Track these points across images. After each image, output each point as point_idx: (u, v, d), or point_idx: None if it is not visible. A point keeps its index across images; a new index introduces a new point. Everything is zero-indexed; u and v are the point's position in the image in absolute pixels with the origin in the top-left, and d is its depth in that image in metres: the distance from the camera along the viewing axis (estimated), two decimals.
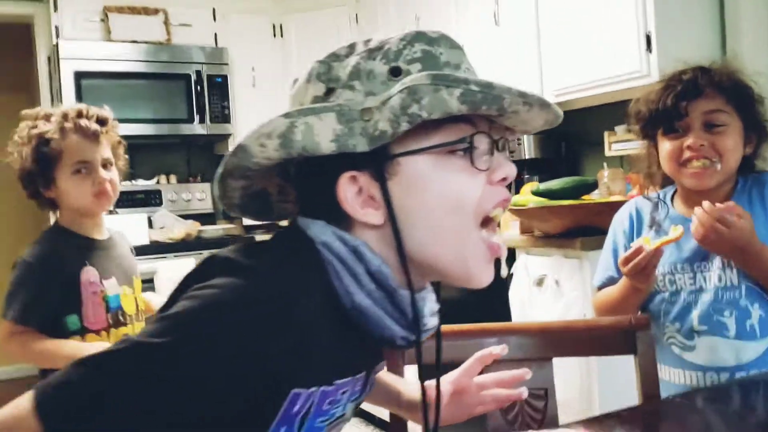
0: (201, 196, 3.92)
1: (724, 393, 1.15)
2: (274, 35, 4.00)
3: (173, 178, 3.93)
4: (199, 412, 0.57)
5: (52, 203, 1.50)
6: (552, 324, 1.22)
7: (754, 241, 1.17)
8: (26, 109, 1.50)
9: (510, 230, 2.48)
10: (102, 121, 1.47)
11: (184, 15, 3.72)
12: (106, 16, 3.53)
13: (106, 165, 1.48)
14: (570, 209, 2.08)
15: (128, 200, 3.61)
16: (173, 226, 3.51)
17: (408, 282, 0.65)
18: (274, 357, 0.59)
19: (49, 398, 0.56)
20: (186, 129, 3.66)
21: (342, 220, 0.66)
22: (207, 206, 3.94)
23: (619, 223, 1.39)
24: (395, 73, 0.65)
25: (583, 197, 2.19)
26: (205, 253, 3.29)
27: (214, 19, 3.81)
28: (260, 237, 3.38)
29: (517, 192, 2.65)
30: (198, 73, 3.65)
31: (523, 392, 0.93)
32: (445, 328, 1.17)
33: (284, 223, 0.75)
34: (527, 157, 2.99)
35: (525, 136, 2.95)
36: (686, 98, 1.23)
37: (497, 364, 1.00)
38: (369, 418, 3.16)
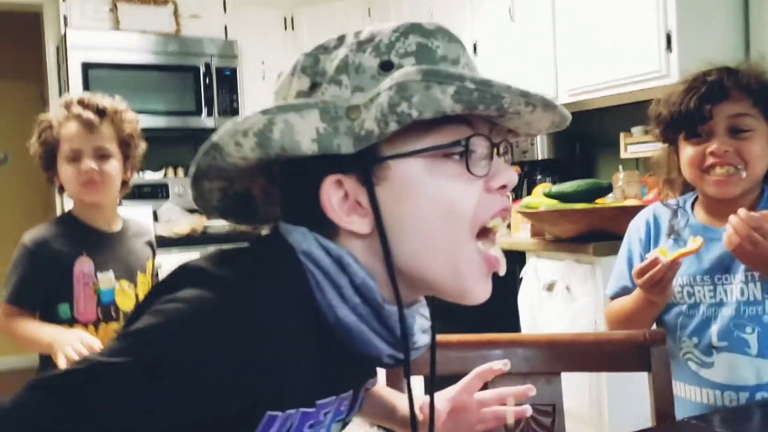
0: None
1: (744, 414, 1.09)
2: (285, 28, 3.95)
3: (180, 172, 3.89)
4: None
5: (62, 189, 1.52)
6: (561, 337, 1.16)
7: None
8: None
9: (520, 233, 2.42)
10: (101, 111, 1.44)
11: (194, 6, 3.68)
12: (115, 6, 3.50)
13: (102, 155, 1.44)
14: (583, 213, 2.04)
15: (135, 193, 3.57)
16: (179, 220, 3.47)
17: (396, 296, 0.60)
18: (243, 380, 0.54)
19: None
20: (194, 122, 3.62)
21: (326, 227, 0.61)
22: None
23: (635, 231, 1.32)
24: (386, 67, 0.60)
25: (597, 201, 2.15)
26: (211, 249, 3.28)
27: (225, 10, 3.77)
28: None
29: (529, 193, 2.59)
30: (207, 65, 3.61)
31: (527, 409, 0.88)
32: (447, 338, 1.13)
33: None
34: (540, 157, 2.93)
35: (538, 136, 2.87)
36: (710, 101, 1.16)
37: (501, 378, 0.94)
38: None
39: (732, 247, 1.11)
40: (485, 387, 0.91)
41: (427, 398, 0.77)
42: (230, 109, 3.66)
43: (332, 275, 0.59)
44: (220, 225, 3.63)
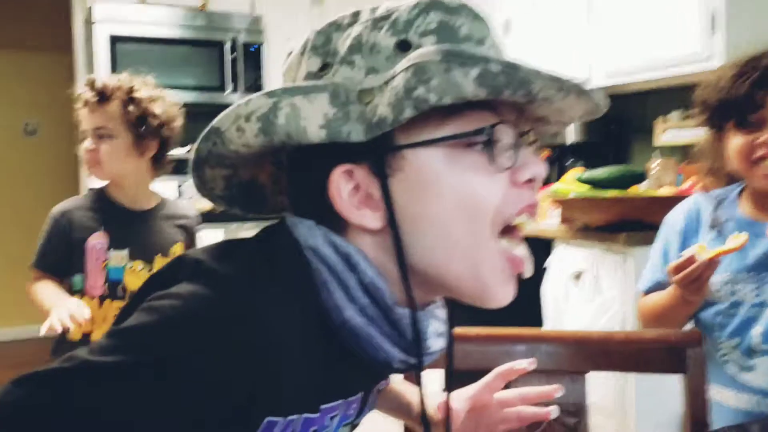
0: None
1: None
2: (313, 4, 3.87)
3: None
4: None
5: None
6: (589, 335, 1.09)
7: None
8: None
9: (549, 219, 2.34)
10: (101, 91, 1.46)
11: None
12: None
13: (101, 135, 1.47)
14: (615, 201, 1.96)
15: None
16: (201, 197, 3.45)
17: (409, 298, 0.55)
18: (239, 384, 0.49)
19: None
20: (218, 98, 3.58)
21: (335, 221, 0.56)
22: None
23: (672, 222, 1.24)
24: (403, 47, 0.54)
25: (630, 188, 2.07)
26: (233, 226, 3.25)
27: None
28: None
29: (559, 179, 2.51)
30: (233, 40, 3.56)
31: (553, 411, 0.82)
32: (465, 330, 1.06)
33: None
34: (571, 141, 2.84)
35: None
36: (764, 87, 1.08)
37: (524, 375, 0.89)
38: None
39: None
40: (507, 386, 0.86)
41: (445, 396, 0.72)
42: (255, 85, 3.61)
43: (339, 273, 0.54)
44: None
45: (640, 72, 2.40)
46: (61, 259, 1.49)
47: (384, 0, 0.58)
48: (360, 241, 0.56)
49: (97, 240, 1.48)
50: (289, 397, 0.53)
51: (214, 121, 0.55)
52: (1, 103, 4.37)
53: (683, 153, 2.58)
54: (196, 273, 0.52)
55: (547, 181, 2.74)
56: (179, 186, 3.50)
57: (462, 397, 0.82)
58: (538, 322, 2.17)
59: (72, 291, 1.48)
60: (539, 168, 0.56)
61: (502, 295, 0.57)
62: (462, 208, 0.54)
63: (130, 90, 1.48)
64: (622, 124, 2.85)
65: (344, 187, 0.55)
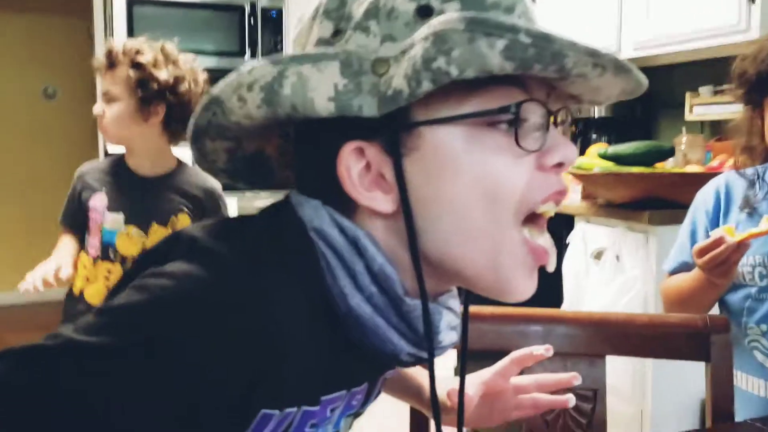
0: None
1: None
2: None
3: None
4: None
5: None
6: (608, 316, 1.04)
7: None
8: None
9: (570, 195, 2.28)
10: (110, 56, 1.47)
11: None
12: None
13: (108, 99, 1.48)
14: (640, 177, 1.89)
15: None
16: None
17: (421, 288, 0.51)
18: (234, 375, 0.46)
19: None
20: (237, 63, 3.52)
21: (344, 202, 0.51)
22: None
23: (702, 201, 1.19)
24: (424, 12, 0.49)
25: (656, 165, 2.00)
26: (248, 195, 3.23)
27: None
28: None
29: (582, 153, 2.45)
30: (252, 5, 3.51)
31: (570, 400, 0.79)
32: (480, 309, 1.02)
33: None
34: (596, 115, 2.76)
35: None
36: None
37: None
38: None
39: None
40: (521, 372, 0.83)
41: (457, 381, 0.68)
42: (274, 51, 3.57)
43: (346, 258, 0.50)
44: None
45: (671, 44, 2.30)
46: (76, 217, 1.55)
47: None
48: (370, 224, 0.51)
49: (98, 201, 1.52)
50: (288, 389, 0.49)
51: (214, 89, 0.51)
52: (21, 67, 4.37)
53: (713, 129, 2.50)
54: (192, 252, 0.48)
55: None
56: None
57: (475, 382, 0.79)
58: (556, 300, 2.13)
59: (83, 248, 1.56)
60: (570, 152, 0.51)
61: (523, 288, 0.52)
62: (482, 193, 0.49)
63: (136, 54, 1.46)
64: (649, 98, 2.76)
65: (354, 165, 0.50)
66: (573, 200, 2.22)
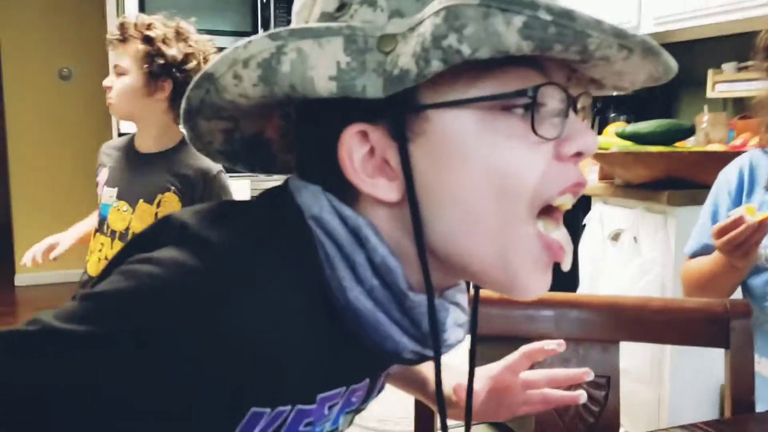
0: None
1: None
2: None
3: None
4: (114, 427, 0.42)
5: None
6: (623, 300, 1.00)
7: None
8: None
9: (587, 176, 2.22)
10: (121, 30, 1.48)
11: None
12: None
13: (118, 73, 1.48)
14: (659, 157, 1.83)
15: None
16: None
17: (426, 282, 0.47)
18: (220, 369, 0.42)
19: None
20: None
21: (346, 188, 0.48)
22: None
23: (724, 182, 1.13)
24: None
25: (677, 144, 1.94)
26: (261, 176, 3.20)
27: None
28: None
29: (600, 132, 2.39)
30: None
31: (581, 396, 0.76)
32: (489, 293, 0.99)
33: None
34: (614, 93, 2.68)
35: None
36: None
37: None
38: None
39: None
40: (531, 366, 0.80)
41: (465, 376, 0.65)
42: None
43: (346, 249, 0.47)
44: None
45: (694, 17, 2.22)
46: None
47: None
48: (373, 213, 0.48)
49: (101, 176, 1.56)
50: (282, 385, 0.46)
51: (208, 65, 0.48)
52: (37, 49, 4.37)
53: (736, 107, 2.42)
54: (182, 238, 0.45)
55: None
56: None
57: (483, 377, 0.76)
58: (572, 283, 2.09)
59: None
60: (590, 140, 0.47)
61: (535, 286, 0.49)
62: (493, 182, 0.45)
63: (147, 28, 1.46)
64: None
65: (357, 150, 0.47)
66: (590, 180, 2.17)
